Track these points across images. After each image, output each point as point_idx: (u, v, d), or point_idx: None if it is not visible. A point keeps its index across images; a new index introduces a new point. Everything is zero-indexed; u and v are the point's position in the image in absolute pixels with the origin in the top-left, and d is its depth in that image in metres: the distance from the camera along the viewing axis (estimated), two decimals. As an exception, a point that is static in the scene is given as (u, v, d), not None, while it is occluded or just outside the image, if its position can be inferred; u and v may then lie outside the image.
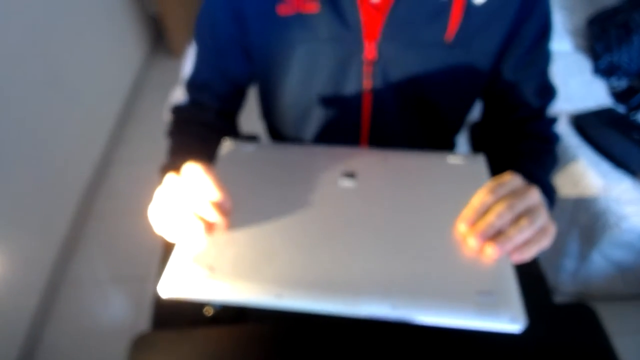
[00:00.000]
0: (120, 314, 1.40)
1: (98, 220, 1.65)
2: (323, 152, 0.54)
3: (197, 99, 0.69)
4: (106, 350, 1.30)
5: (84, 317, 1.39)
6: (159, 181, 0.55)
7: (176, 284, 0.40)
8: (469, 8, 0.57)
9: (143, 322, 1.35)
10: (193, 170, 0.43)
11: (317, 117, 0.70)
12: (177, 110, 0.69)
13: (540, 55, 0.65)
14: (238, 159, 0.50)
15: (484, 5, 0.57)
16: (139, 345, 0.59)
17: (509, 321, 0.37)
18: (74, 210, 1.58)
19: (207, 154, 0.56)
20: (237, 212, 0.43)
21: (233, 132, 0.74)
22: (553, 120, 0.70)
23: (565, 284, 1.32)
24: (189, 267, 0.41)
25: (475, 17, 0.58)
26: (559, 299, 1.33)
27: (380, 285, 0.38)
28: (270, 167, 0.49)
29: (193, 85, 0.68)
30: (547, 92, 0.69)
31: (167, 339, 0.61)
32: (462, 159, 0.52)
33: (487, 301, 0.37)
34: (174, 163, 0.61)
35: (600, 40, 1.49)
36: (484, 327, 0.37)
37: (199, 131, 0.67)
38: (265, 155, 0.51)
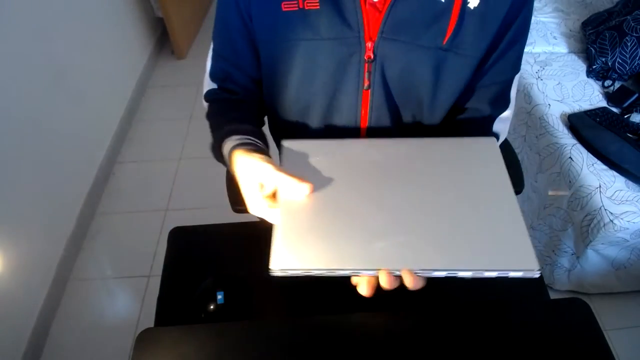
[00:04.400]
0: (125, 310, 1.41)
1: (103, 218, 1.67)
2: (362, 145, 0.64)
3: (222, 86, 0.74)
4: (112, 345, 1.32)
5: (89, 313, 1.41)
6: (215, 156, 0.70)
7: (285, 260, 0.48)
8: (463, 12, 0.59)
9: (148, 318, 1.36)
10: (264, 171, 0.54)
11: (317, 113, 0.71)
12: (210, 94, 0.75)
13: (511, 64, 0.67)
14: (300, 156, 0.59)
15: (476, 9, 0.59)
16: (144, 340, 0.60)
17: (530, 273, 0.46)
18: (80, 208, 1.59)
19: (247, 120, 0.69)
20: (314, 199, 0.53)
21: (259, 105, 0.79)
22: (496, 135, 0.74)
23: (560, 280, 1.33)
24: (293, 245, 0.49)
25: (468, 21, 0.60)
26: (554, 295, 1.35)
27: (433, 254, 0.48)
28: (326, 160, 0.58)
29: (215, 77, 0.74)
30: (502, 101, 0.71)
31: (171, 334, 0.62)
32: (475, 141, 0.61)
33: (508, 258, 0.47)
34: (220, 138, 0.67)
35: (595, 43, 1.50)
36: (510, 276, 0.46)
37: (233, 104, 0.73)
38: (319, 150, 0.60)
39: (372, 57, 0.62)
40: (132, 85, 2.12)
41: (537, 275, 0.46)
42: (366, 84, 0.66)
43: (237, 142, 0.63)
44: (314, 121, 0.73)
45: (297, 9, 0.60)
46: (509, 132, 0.78)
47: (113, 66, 1.96)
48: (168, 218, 1.65)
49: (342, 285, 0.71)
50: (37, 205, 1.37)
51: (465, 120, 0.72)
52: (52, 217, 1.45)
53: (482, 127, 0.73)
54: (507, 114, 0.73)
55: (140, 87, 2.18)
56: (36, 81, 1.40)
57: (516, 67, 0.68)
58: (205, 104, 0.76)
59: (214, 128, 0.72)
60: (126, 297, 1.45)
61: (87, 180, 1.67)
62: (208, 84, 0.75)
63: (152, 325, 0.72)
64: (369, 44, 0.61)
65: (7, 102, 1.26)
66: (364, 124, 0.71)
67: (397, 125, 0.73)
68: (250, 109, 0.75)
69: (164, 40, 2.47)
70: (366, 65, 0.64)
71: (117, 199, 1.74)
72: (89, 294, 1.46)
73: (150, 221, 1.64)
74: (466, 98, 0.71)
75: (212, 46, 0.72)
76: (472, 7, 0.59)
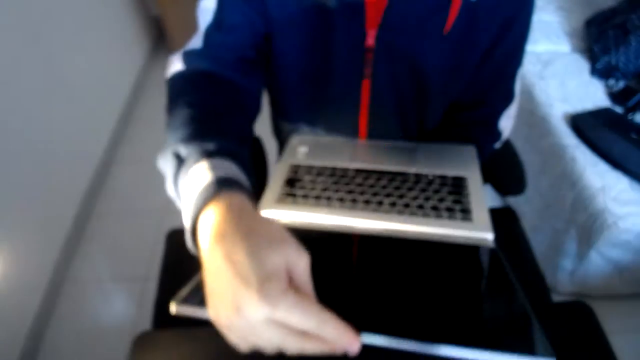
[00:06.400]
0: (121, 313, 1.40)
1: (100, 219, 1.66)
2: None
3: (214, 42, 0.58)
4: (108, 349, 1.30)
5: (85, 316, 1.40)
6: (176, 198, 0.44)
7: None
8: (465, 4, 0.59)
9: (144, 321, 1.35)
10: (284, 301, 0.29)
11: (318, 101, 0.71)
12: (189, 55, 0.59)
13: (515, 57, 0.67)
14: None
15: (478, 2, 0.59)
16: (141, 344, 0.59)
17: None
18: (76, 209, 1.58)
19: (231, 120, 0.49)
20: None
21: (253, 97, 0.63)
22: (500, 134, 0.75)
23: (563, 283, 1.32)
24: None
25: (469, 13, 0.60)
26: (557, 298, 1.34)
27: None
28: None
29: (217, 26, 0.58)
30: (508, 95, 0.72)
31: (168, 338, 0.61)
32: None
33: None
34: (185, 170, 0.42)
35: (598, 42, 1.50)
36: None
37: (215, 85, 0.56)
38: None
39: (373, 45, 0.62)
40: (129, 85, 2.11)
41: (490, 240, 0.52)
42: (368, 74, 0.66)
43: (218, 177, 0.38)
44: (315, 108, 0.72)
45: None
46: (510, 132, 0.79)
47: (110, 65, 1.95)
48: (166, 219, 1.64)
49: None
50: (32, 206, 1.35)
51: (470, 115, 0.73)
52: (48, 218, 1.43)
53: (487, 122, 0.73)
54: (512, 111, 0.73)
55: (137, 86, 2.17)
56: (31, 81, 1.39)
57: (520, 60, 0.69)
58: (174, 69, 0.58)
59: (173, 122, 0.49)
60: (123, 300, 1.44)
61: (83, 181, 1.65)
62: (198, 40, 0.59)
63: (149, 328, 0.71)
64: (372, 33, 0.61)
65: (2, 102, 1.25)
66: (364, 112, 0.71)
67: (399, 116, 0.73)
68: (237, 98, 0.57)
69: (161, 39, 2.46)
70: (368, 55, 0.63)
71: (114, 200, 1.73)
72: (85, 296, 1.45)
73: (148, 222, 1.63)
74: (471, 92, 0.71)
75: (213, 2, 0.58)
76: (473, 0, 0.59)
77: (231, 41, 0.59)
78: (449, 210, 0.55)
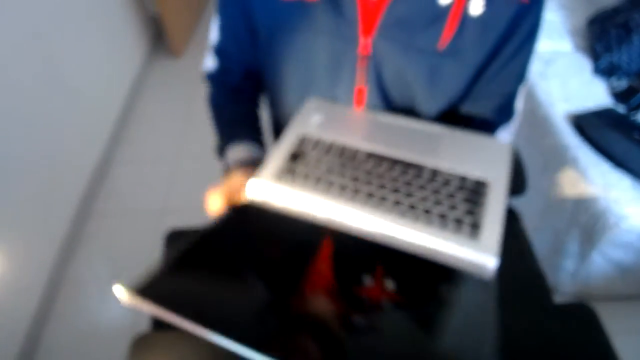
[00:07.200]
0: (120, 314, 1.39)
1: (98, 220, 1.65)
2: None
3: (224, 64, 0.74)
4: (106, 350, 1.30)
5: (83, 317, 1.39)
6: (219, 160, 0.76)
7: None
8: (465, 19, 0.57)
9: (143, 322, 1.34)
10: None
11: None
12: (210, 78, 0.77)
13: (511, 74, 0.65)
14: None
15: (479, 17, 0.57)
16: (139, 345, 0.59)
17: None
18: (74, 210, 1.58)
19: (247, 125, 0.75)
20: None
21: (257, 92, 0.81)
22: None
23: (565, 284, 1.31)
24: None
25: (469, 29, 0.58)
26: (558, 299, 1.33)
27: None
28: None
29: (219, 51, 0.73)
30: (506, 112, 0.69)
31: (166, 339, 0.61)
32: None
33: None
34: (224, 143, 0.74)
35: (600, 40, 1.49)
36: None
37: (233, 95, 0.77)
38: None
39: (367, 54, 0.62)
40: (128, 84, 2.10)
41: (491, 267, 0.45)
42: (360, 81, 0.65)
43: (238, 162, 0.69)
44: None
45: (296, 0, 0.59)
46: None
47: (108, 65, 1.94)
48: (165, 220, 1.63)
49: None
50: (31, 206, 1.35)
51: (466, 122, 0.70)
52: (47, 218, 1.43)
53: (483, 131, 0.71)
54: (511, 127, 0.71)
55: (136, 86, 2.16)
56: (30, 81, 1.38)
57: (520, 78, 0.66)
58: (207, 85, 0.78)
59: (217, 125, 0.77)
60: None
61: (82, 181, 1.65)
62: (210, 61, 0.75)
63: (147, 329, 0.71)
64: (365, 40, 0.61)
65: (0, 102, 1.25)
66: None
67: None
68: (249, 100, 0.79)
69: (160, 38, 2.46)
70: (361, 62, 0.63)
71: (113, 201, 1.72)
72: (83, 297, 1.44)
73: (147, 223, 1.62)
74: (467, 106, 0.69)
75: (217, 17, 0.70)
76: (474, 14, 0.57)
77: (233, 63, 0.74)
78: (457, 221, 0.48)
